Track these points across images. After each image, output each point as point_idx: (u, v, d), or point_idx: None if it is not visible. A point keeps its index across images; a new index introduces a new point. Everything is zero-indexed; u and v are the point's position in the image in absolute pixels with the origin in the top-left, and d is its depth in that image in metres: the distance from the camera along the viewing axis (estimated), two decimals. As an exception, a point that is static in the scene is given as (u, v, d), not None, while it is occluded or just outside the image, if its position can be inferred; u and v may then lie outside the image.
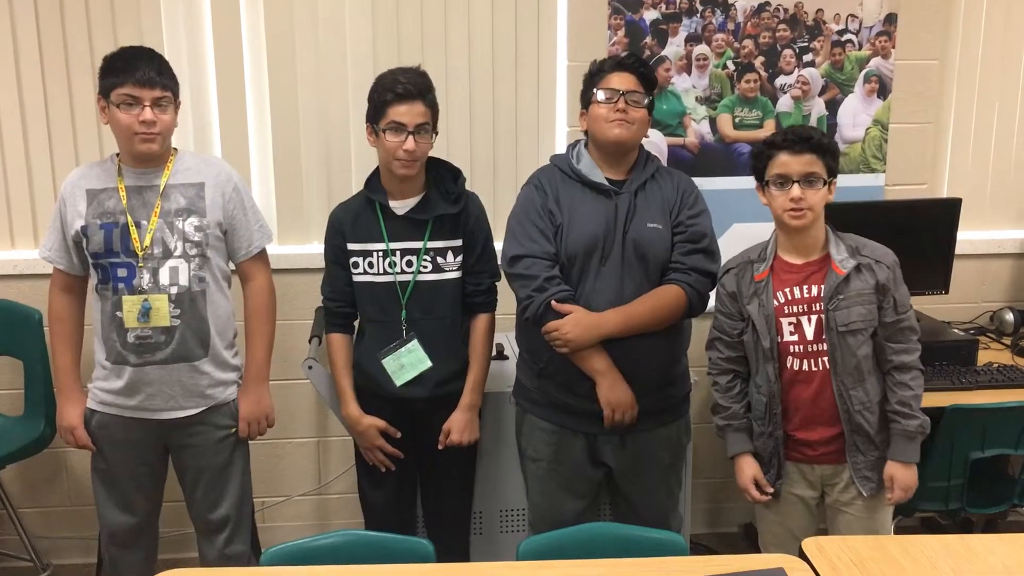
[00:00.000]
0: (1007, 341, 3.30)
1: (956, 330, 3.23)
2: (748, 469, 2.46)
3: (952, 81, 3.38)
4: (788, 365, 2.38)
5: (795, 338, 2.36)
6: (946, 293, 3.20)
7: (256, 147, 3.20)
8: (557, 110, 3.25)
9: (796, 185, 2.30)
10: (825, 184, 2.32)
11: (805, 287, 2.36)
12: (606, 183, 2.46)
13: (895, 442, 2.37)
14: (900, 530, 2.78)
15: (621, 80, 2.43)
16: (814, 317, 2.35)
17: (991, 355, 3.16)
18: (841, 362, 2.34)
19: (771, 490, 2.45)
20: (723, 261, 2.51)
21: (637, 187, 2.47)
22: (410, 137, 2.44)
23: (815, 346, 2.35)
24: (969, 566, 1.91)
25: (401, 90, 2.44)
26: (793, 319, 2.36)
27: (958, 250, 3.21)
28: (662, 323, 2.42)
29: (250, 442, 2.67)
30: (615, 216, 2.43)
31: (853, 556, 1.94)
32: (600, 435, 2.50)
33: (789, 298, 2.37)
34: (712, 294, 2.50)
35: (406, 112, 2.44)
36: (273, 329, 2.66)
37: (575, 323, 2.36)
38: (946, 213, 3.18)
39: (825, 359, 2.35)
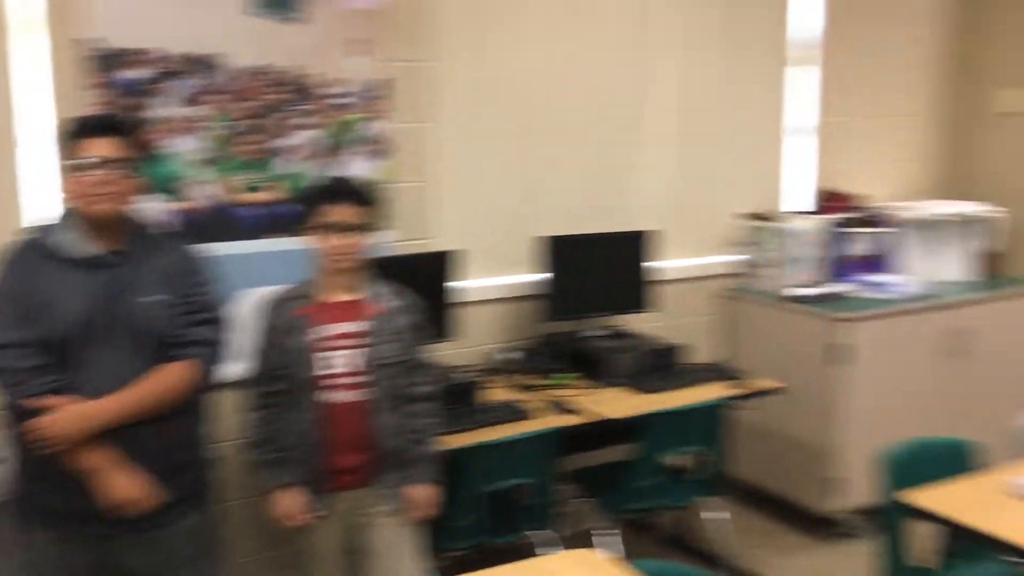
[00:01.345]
0: (512, 380, 3.55)
1: (459, 374, 3.35)
2: (287, 500, 2.54)
3: (443, 142, 3.61)
4: (328, 397, 2.51)
5: (337, 370, 2.51)
6: (450, 340, 3.39)
7: None
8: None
9: (340, 233, 2.48)
10: (367, 232, 2.52)
11: (348, 323, 2.53)
12: (95, 255, 2.23)
13: (416, 466, 2.61)
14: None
15: (101, 146, 2.20)
16: (356, 350, 2.52)
17: (499, 393, 3.36)
18: (380, 391, 2.53)
19: (314, 513, 2.54)
20: (237, 324, 2.44)
21: (133, 258, 2.27)
22: None
23: (355, 378, 2.52)
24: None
25: None
26: (335, 352, 2.51)
27: (457, 298, 3.43)
28: (167, 404, 2.25)
29: None
30: (107, 291, 2.21)
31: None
32: (114, 535, 2.25)
33: (332, 333, 2.52)
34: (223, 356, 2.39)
35: None
36: None
37: (60, 418, 2.12)
38: (440, 265, 3.35)
39: (364, 389, 2.52)
